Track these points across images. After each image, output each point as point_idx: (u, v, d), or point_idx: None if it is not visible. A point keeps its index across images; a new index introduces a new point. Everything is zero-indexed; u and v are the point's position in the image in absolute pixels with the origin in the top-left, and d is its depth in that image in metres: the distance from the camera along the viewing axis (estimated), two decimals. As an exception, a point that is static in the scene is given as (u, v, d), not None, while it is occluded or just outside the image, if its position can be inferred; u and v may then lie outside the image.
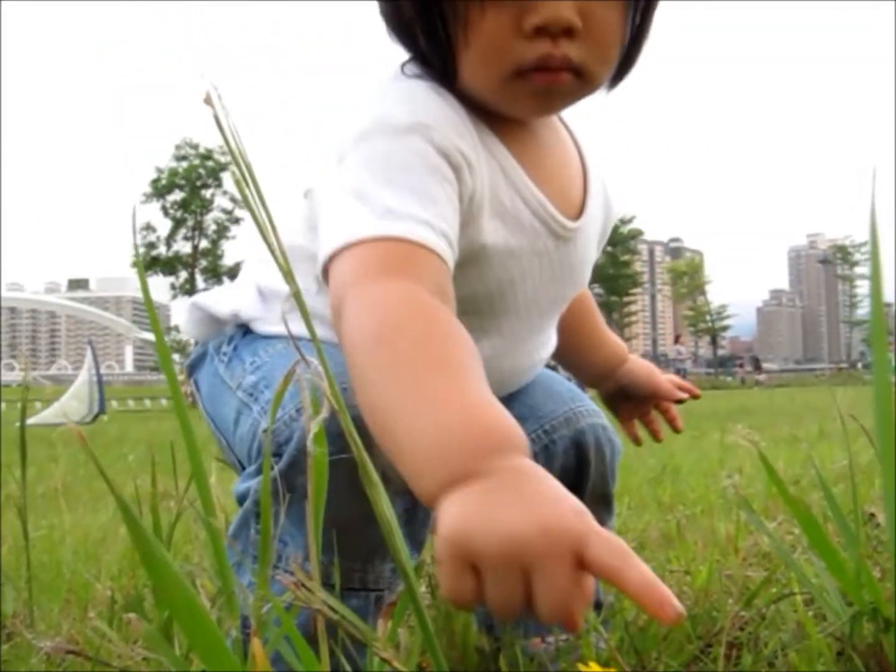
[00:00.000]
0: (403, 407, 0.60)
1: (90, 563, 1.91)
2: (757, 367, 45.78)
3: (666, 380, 1.18)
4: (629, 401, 1.20)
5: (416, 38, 0.86)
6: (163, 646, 0.55)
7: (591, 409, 1.09)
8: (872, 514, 1.72)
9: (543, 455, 1.04)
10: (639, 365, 1.21)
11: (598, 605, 1.19)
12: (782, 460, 3.44)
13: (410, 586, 0.53)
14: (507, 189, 0.88)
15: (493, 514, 0.51)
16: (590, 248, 0.99)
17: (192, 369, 1.06)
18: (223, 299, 1.03)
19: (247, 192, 0.44)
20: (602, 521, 1.11)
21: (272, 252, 0.46)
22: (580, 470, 1.06)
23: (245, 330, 1.00)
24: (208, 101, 0.46)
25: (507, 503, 0.51)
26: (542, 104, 0.87)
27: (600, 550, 0.49)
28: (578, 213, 0.95)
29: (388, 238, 0.73)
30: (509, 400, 1.05)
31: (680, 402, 1.18)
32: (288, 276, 0.47)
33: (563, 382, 1.11)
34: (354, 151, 0.80)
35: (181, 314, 1.10)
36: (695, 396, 1.18)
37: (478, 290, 0.89)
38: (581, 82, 0.84)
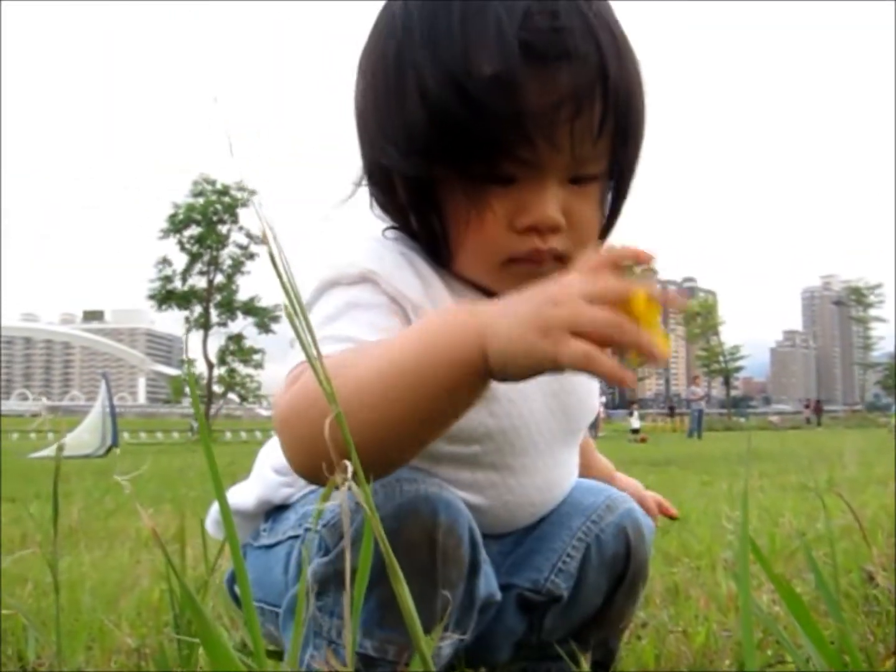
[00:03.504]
0: (389, 371, 0.74)
1: (109, 609, 1.96)
2: (818, 409, 45.97)
3: (651, 497, 1.30)
4: None
5: (411, 225, 0.96)
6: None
7: (622, 496, 1.16)
8: (871, 575, 1.76)
9: (596, 545, 1.10)
10: (625, 483, 1.33)
11: (604, 664, 1.23)
12: (789, 511, 3.47)
13: (423, 657, 0.59)
14: None
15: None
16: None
17: (234, 582, 1.11)
18: (245, 495, 1.10)
19: (297, 323, 0.51)
20: (637, 597, 1.16)
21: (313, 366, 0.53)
22: (627, 555, 1.12)
23: (275, 508, 1.07)
24: (265, 239, 0.53)
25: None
26: (524, 284, 0.95)
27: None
28: None
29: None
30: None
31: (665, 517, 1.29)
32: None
33: (587, 478, 1.19)
34: (318, 302, 0.93)
35: (210, 526, 1.14)
36: (672, 517, 1.29)
37: (490, 425, 0.98)
38: (563, 265, 0.92)
